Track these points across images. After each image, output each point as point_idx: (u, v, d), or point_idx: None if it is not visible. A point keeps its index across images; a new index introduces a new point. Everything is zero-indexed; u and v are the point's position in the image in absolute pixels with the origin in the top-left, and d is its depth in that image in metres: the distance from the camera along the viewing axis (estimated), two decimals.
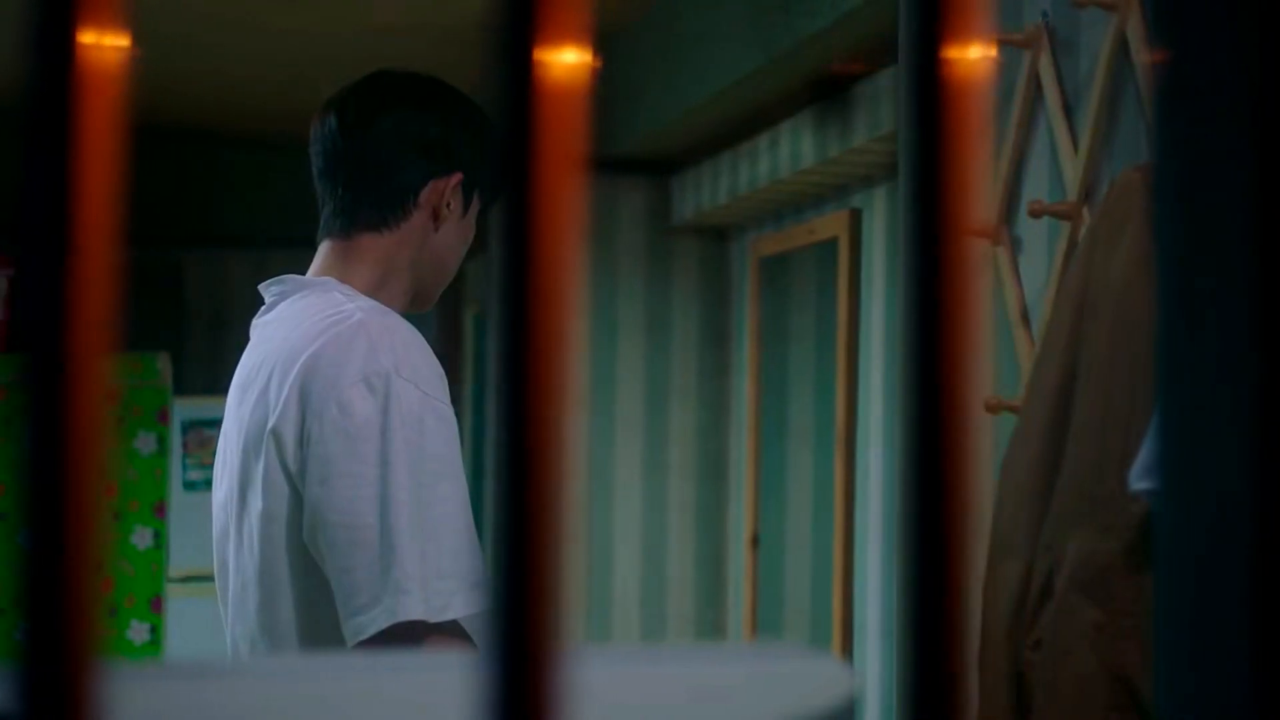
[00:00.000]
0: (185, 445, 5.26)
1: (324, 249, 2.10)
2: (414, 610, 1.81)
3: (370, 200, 2.07)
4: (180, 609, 5.17)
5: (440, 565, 1.83)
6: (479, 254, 5.44)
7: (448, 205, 2.07)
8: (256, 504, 1.92)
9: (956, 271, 0.54)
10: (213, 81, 5.35)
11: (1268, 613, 0.60)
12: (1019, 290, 2.43)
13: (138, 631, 5.16)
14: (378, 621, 1.81)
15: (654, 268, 4.80)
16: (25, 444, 0.49)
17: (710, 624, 4.77)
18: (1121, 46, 2.21)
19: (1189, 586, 0.80)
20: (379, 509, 1.83)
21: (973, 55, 0.54)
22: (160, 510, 5.19)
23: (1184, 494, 0.81)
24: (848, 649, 3.80)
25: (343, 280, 2.04)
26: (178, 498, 5.22)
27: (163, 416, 5.19)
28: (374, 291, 2.04)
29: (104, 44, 0.49)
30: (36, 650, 0.50)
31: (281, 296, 2.06)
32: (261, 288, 2.11)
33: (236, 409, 2.02)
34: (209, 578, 5.33)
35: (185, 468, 5.26)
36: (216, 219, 6.12)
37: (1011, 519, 2.07)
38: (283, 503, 1.89)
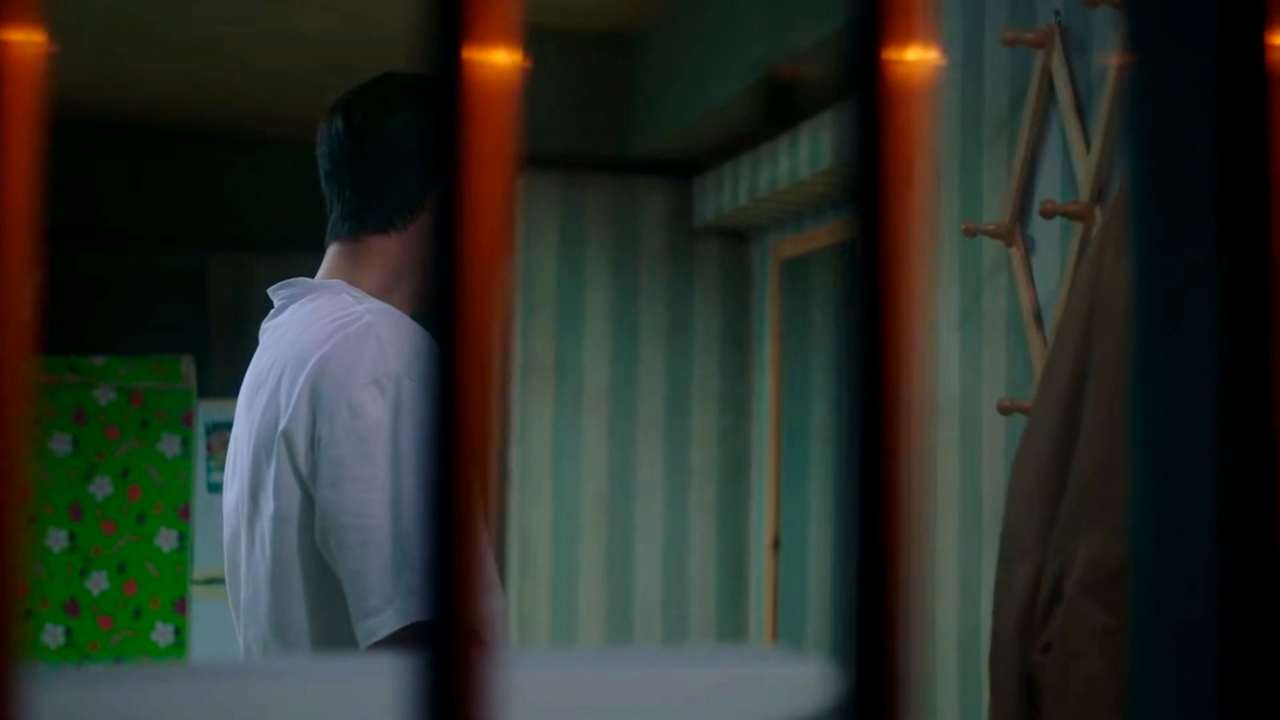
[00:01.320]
0: (209, 447, 5.28)
1: (332, 251, 2.11)
2: (426, 612, 1.80)
3: (378, 202, 2.07)
4: (205, 611, 5.19)
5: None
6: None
7: None
8: (268, 506, 1.92)
9: (898, 277, 0.54)
10: (238, 84, 5.36)
11: (1234, 615, 0.60)
12: (1032, 291, 2.42)
13: (162, 633, 5.18)
14: (390, 623, 1.81)
15: (675, 270, 4.79)
16: None
17: (732, 626, 4.76)
18: None
19: (1159, 589, 0.80)
20: (390, 511, 1.82)
21: (914, 58, 0.54)
22: (185, 513, 5.21)
23: (1155, 493, 0.81)
24: None
25: (351, 283, 2.04)
26: (202, 500, 5.24)
27: (187, 419, 5.21)
28: (383, 294, 2.04)
29: (18, 40, 0.49)
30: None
31: (290, 299, 2.07)
32: (271, 291, 2.11)
33: (247, 412, 2.03)
34: None
35: (210, 470, 5.27)
36: (241, 221, 6.13)
37: (1021, 521, 2.06)
38: (294, 505, 1.89)
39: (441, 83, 0.49)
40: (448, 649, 0.48)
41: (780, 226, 4.59)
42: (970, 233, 2.49)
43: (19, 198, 0.49)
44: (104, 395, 5.17)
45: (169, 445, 5.23)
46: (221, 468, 5.39)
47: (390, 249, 2.06)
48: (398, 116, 2.11)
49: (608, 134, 4.67)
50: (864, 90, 0.54)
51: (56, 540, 5.13)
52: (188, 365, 5.23)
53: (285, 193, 6.13)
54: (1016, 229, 2.45)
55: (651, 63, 4.53)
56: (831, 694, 1.08)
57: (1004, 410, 2.36)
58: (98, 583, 5.16)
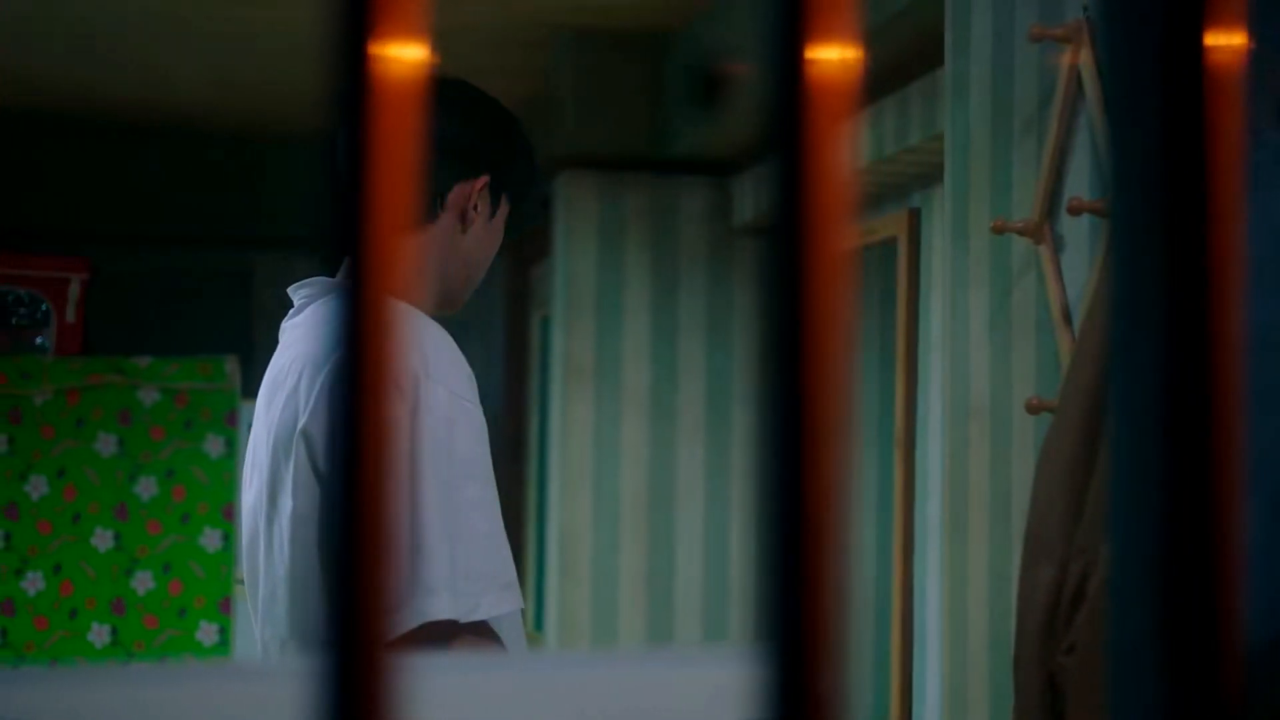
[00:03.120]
0: None
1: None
2: (442, 610, 1.81)
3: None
4: (249, 610, 5.20)
5: (469, 566, 1.83)
6: (542, 258, 5.45)
7: (475, 207, 2.08)
8: (287, 505, 1.92)
9: (819, 274, 0.53)
10: (281, 84, 5.39)
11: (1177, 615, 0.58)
12: (1061, 289, 2.40)
13: (207, 632, 5.21)
14: (406, 622, 1.81)
15: (715, 269, 4.78)
16: None
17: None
18: None
19: (1135, 585, 0.78)
20: (407, 510, 1.83)
21: (838, 55, 0.53)
22: (229, 513, 5.23)
23: (1130, 498, 0.79)
24: (907, 649, 3.77)
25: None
26: None
27: (231, 419, 5.23)
28: (403, 293, 2.04)
29: None
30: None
31: (310, 299, 2.08)
32: (291, 290, 2.12)
33: (266, 411, 2.03)
34: None
35: None
36: (285, 222, 6.16)
37: (1045, 521, 2.04)
38: (313, 504, 1.89)
39: (347, 79, 0.49)
40: (350, 656, 0.48)
41: None
42: (999, 230, 2.47)
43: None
44: (149, 396, 5.20)
45: (213, 445, 5.25)
46: None
47: (410, 248, 2.06)
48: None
49: (646, 134, 4.66)
50: (786, 89, 0.53)
51: (103, 540, 5.16)
52: (232, 366, 5.25)
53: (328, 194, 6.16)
54: (1046, 226, 2.43)
55: (691, 60, 4.52)
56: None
57: (1032, 410, 2.34)
58: (143, 582, 5.19)
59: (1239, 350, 0.55)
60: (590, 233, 4.72)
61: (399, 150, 0.50)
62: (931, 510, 3.73)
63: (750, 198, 4.65)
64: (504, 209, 2.14)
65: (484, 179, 2.09)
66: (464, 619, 1.81)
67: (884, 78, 3.64)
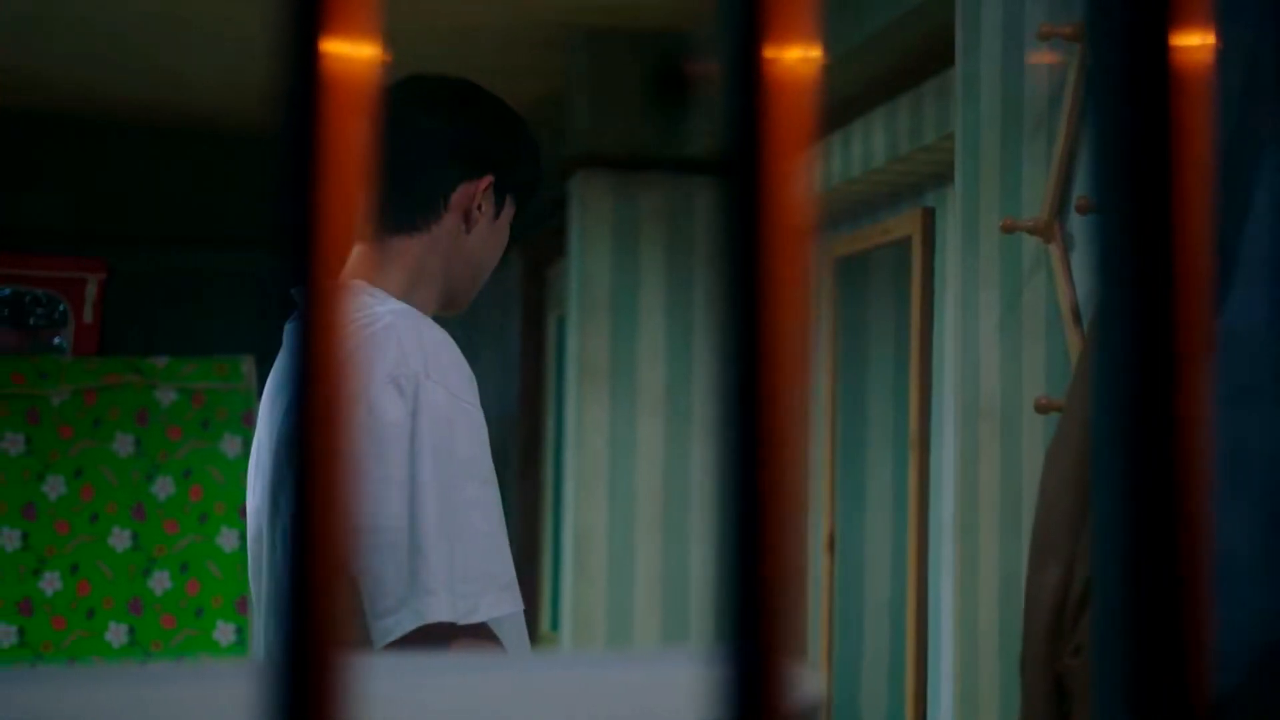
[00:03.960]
0: None
1: (356, 251, 2.11)
2: (441, 612, 1.80)
3: (400, 202, 2.08)
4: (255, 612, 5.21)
5: (467, 567, 1.82)
6: (557, 259, 5.44)
7: (479, 208, 2.08)
8: (288, 506, 1.92)
9: (775, 274, 0.52)
10: None
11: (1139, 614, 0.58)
12: (1071, 288, 2.39)
13: (224, 632, 5.21)
14: (404, 624, 1.81)
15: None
16: None
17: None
18: None
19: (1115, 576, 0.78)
20: (406, 511, 1.82)
21: (798, 55, 0.52)
22: (246, 512, 5.24)
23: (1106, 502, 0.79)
24: (921, 651, 3.76)
25: (374, 283, 2.05)
26: None
27: (248, 419, 5.24)
28: (406, 295, 2.04)
29: None
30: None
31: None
32: (294, 291, 2.11)
33: (269, 414, 2.03)
34: None
35: None
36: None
37: (1052, 521, 2.03)
38: None
39: (298, 76, 0.49)
40: (302, 660, 0.48)
41: (834, 225, 4.57)
42: (1009, 229, 2.47)
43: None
44: (166, 396, 5.21)
45: (230, 445, 5.26)
46: None
47: (413, 250, 2.06)
48: (421, 117, 2.11)
49: (661, 134, 4.66)
50: (743, 88, 0.52)
51: (120, 540, 5.17)
52: (248, 366, 5.26)
53: None
54: (1055, 225, 2.42)
55: (706, 60, 4.51)
56: (810, 697, 1.07)
57: (1041, 409, 2.34)
58: (160, 582, 5.20)
59: (1206, 349, 0.54)
60: (605, 233, 4.72)
61: (350, 149, 0.49)
62: (946, 511, 3.72)
63: None
64: (509, 210, 2.14)
65: (488, 179, 2.09)
66: (462, 620, 1.81)
67: (897, 76, 3.63)
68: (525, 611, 1.95)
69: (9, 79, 5.25)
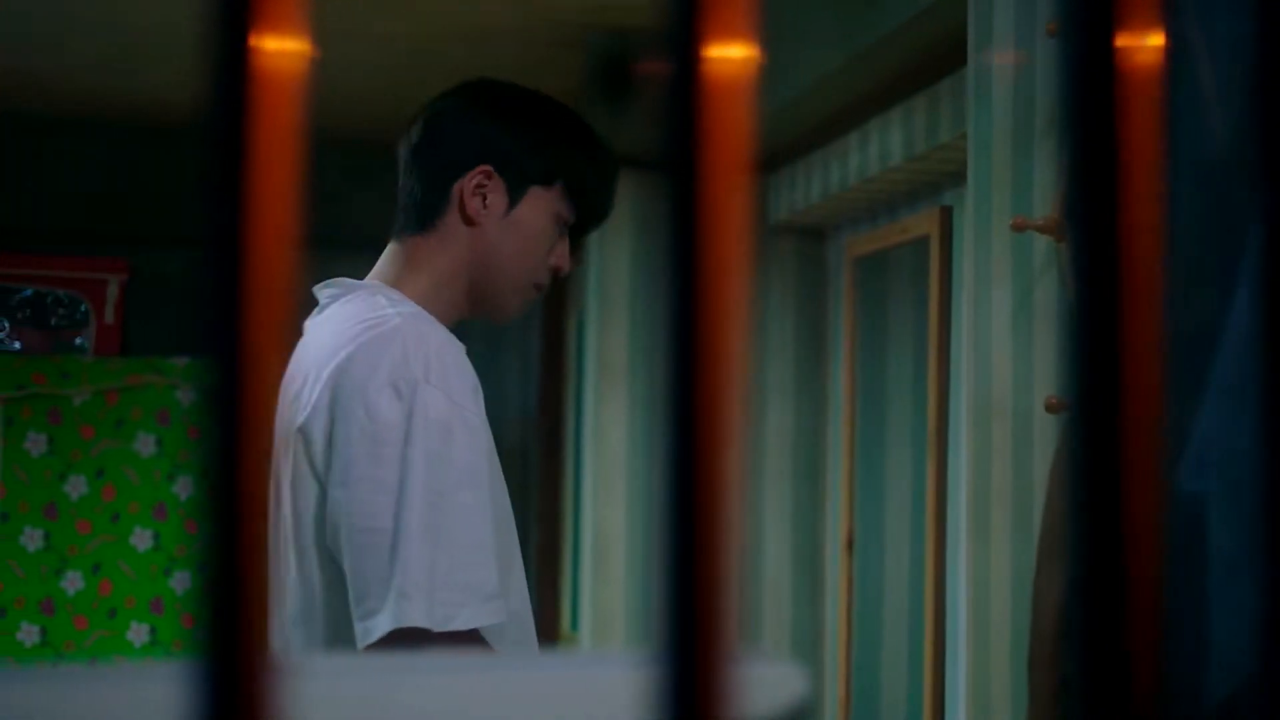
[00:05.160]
0: None
1: (385, 252, 2.12)
2: (416, 618, 1.79)
3: (407, 201, 2.09)
4: None
5: (451, 576, 1.81)
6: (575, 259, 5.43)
7: (482, 202, 2.05)
8: (285, 502, 1.93)
9: (714, 271, 0.52)
10: (319, 85, 5.40)
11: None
12: None
13: None
14: (381, 626, 1.80)
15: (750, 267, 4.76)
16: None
17: (806, 627, 4.73)
18: None
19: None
20: (394, 514, 1.82)
21: (735, 54, 0.52)
22: None
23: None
24: (939, 651, 3.75)
25: (394, 285, 2.04)
26: None
27: None
28: (426, 297, 2.02)
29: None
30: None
31: (333, 299, 2.07)
32: (316, 289, 2.12)
33: (279, 407, 2.04)
34: None
35: None
36: (322, 221, 6.18)
37: (1060, 521, 2.02)
38: (309, 502, 1.90)
39: (226, 71, 0.48)
40: (231, 661, 0.47)
41: (854, 223, 4.56)
42: (1019, 228, 2.45)
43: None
44: (187, 396, 5.22)
45: None
46: None
47: (425, 250, 2.05)
48: (430, 116, 2.11)
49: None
50: (681, 87, 0.52)
51: (141, 540, 5.18)
52: None
53: (365, 194, 6.17)
54: (1065, 224, 2.41)
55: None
56: (798, 696, 1.06)
57: (1051, 409, 2.32)
58: (182, 582, 5.22)
59: (1155, 352, 0.54)
60: (624, 232, 4.72)
61: (278, 145, 0.49)
62: (962, 511, 3.71)
63: (784, 196, 4.63)
64: (540, 205, 2.07)
65: (481, 169, 2.06)
66: (438, 628, 1.80)
67: (914, 75, 3.62)
68: (544, 612, 1.94)
69: (29, 81, 5.27)
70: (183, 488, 5.22)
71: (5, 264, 5.47)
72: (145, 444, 5.18)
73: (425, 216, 2.07)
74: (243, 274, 0.48)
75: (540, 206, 2.07)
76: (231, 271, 0.48)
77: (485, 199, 2.05)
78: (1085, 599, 0.53)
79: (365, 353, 1.88)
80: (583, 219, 2.12)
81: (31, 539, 5.13)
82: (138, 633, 5.18)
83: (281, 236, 0.48)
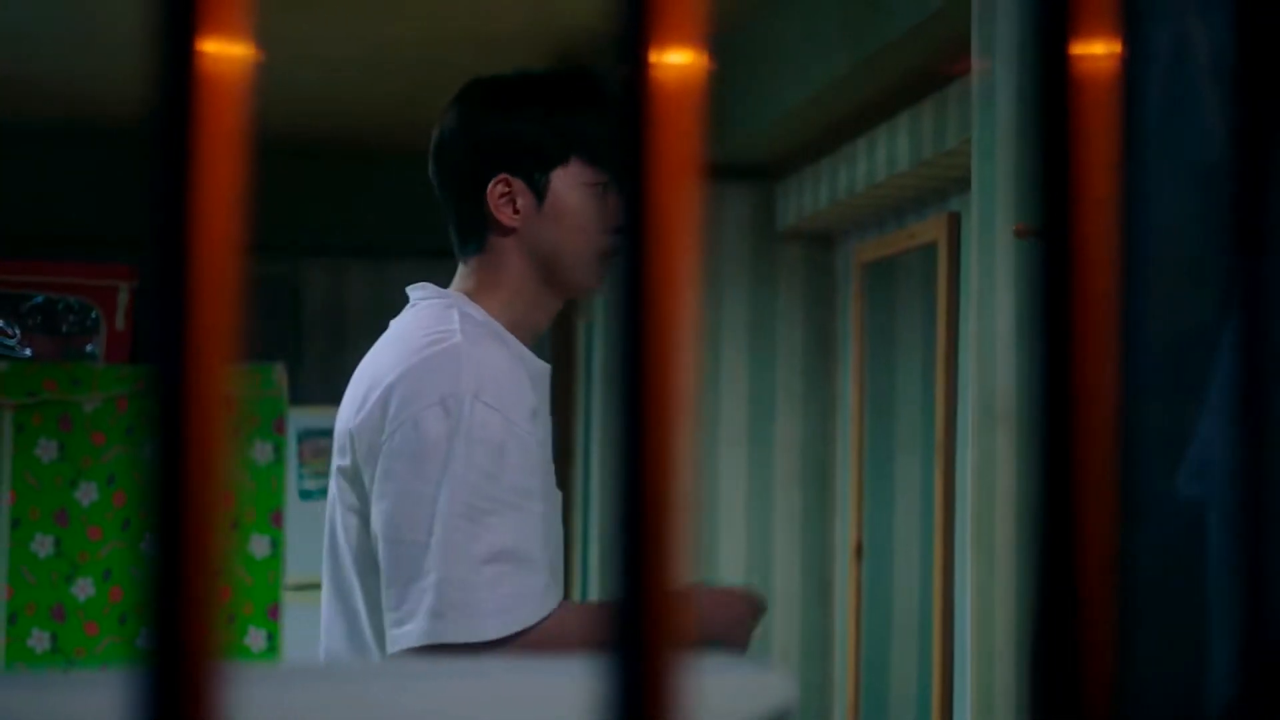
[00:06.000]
0: (301, 454, 5.33)
1: (458, 270, 2.10)
2: (445, 634, 1.80)
3: (451, 229, 2.09)
4: (297, 616, 5.21)
5: (479, 593, 1.81)
6: None
7: (512, 209, 2.01)
8: (338, 510, 1.95)
9: (665, 274, 0.52)
10: (330, 93, 5.41)
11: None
12: None
13: (255, 638, 5.22)
14: (412, 638, 1.82)
15: (758, 274, 4.76)
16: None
17: (816, 634, 4.72)
18: None
19: None
20: (430, 528, 1.83)
21: (681, 61, 0.52)
22: (277, 519, 5.25)
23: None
24: (948, 657, 3.74)
25: (473, 298, 2.01)
26: (294, 506, 5.28)
27: (279, 426, 5.25)
28: (511, 306, 2.00)
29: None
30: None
31: (415, 302, 2.06)
32: (409, 289, 2.09)
33: (342, 406, 2.04)
34: None
35: (301, 477, 5.32)
36: (333, 229, 6.18)
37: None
38: (358, 503, 1.91)
39: (171, 75, 0.48)
40: (173, 669, 0.47)
41: (862, 230, 4.55)
42: (1022, 234, 2.45)
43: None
44: None
45: (261, 452, 5.27)
46: (314, 474, 5.44)
47: (491, 267, 2.03)
48: (459, 145, 2.07)
49: None
50: (632, 91, 0.52)
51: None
52: (279, 373, 5.27)
53: (377, 200, 6.18)
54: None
55: (732, 65, 4.50)
56: (783, 702, 1.06)
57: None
58: None
59: (1109, 355, 0.53)
60: None
61: (223, 149, 0.49)
62: (970, 519, 3.70)
63: (793, 203, 4.63)
64: (565, 180, 2.02)
65: (497, 181, 2.02)
66: (465, 639, 1.81)
67: (921, 81, 3.61)
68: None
69: (39, 88, 5.28)
70: None
71: (15, 271, 5.48)
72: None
73: (473, 241, 2.05)
74: (187, 279, 0.48)
75: (568, 184, 2.02)
76: (176, 276, 0.48)
77: (515, 204, 2.01)
78: (1037, 603, 0.53)
79: (420, 370, 1.89)
80: (616, 169, 2.05)
81: (42, 545, 5.14)
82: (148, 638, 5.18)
83: (226, 241, 0.48)
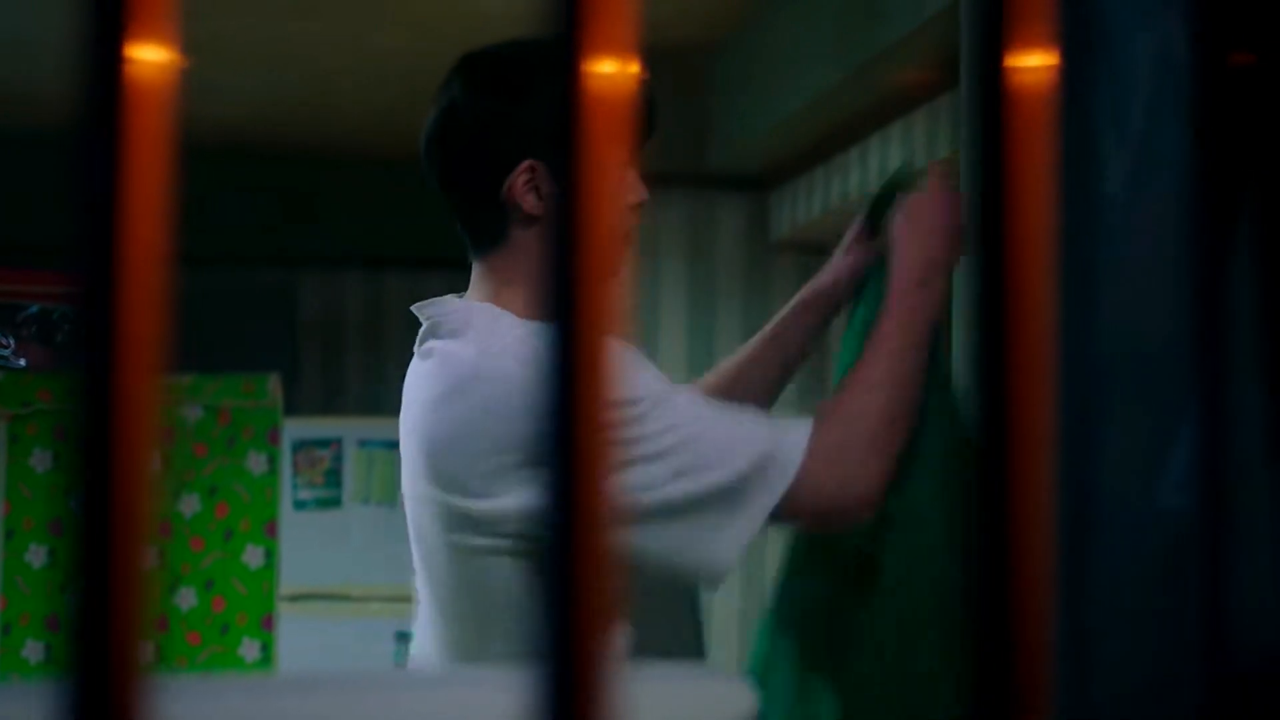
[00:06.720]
0: (295, 465, 5.32)
1: (473, 273, 1.95)
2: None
3: (463, 224, 1.93)
4: (291, 627, 5.22)
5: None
6: None
7: (536, 195, 1.85)
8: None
9: (594, 273, 0.51)
10: (323, 102, 5.41)
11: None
12: None
13: (249, 649, 5.22)
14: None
15: (752, 284, 4.76)
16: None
17: None
18: None
19: None
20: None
21: (612, 69, 0.51)
22: (271, 529, 5.25)
23: None
24: None
25: (496, 302, 1.87)
26: (288, 517, 5.28)
27: (273, 437, 5.25)
28: (531, 307, 1.82)
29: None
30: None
31: (451, 327, 1.90)
32: (423, 308, 1.95)
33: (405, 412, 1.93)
34: (319, 596, 5.32)
35: (295, 487, 5.31)
36: (330, 239, 6.18)
37: None
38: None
39: (99, 81, 0.48)
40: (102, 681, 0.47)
41: None
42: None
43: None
44: (191, 413, 5.23)
45: (255, 462, 5.27)
46: (308, 485, 5.43)
47: (513, 263, 1.89)
48: (472, 130, 1.90)
49: (684, 148, 4.65)
50: (566, 97, 0.51)
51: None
52: (274, 383, 5.27)
53: (374, 210, 6.18)
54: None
55: (726, 76, 4.50)
56: (744, 714, 1.05)
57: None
58: (186, 599, 5.22)
59: (1044, 361, 0.53)
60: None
61: (149, 156, 0.48)
62: None
63: (788, 212, 4.63)
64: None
65: (521, 168, 1.84)
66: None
67: (913, 91, 3.61)
68: None
69: (30, 97, 5.28)
70: (186, 505, 5.23)
71: (9, 280, 5.48)
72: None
73: (491, 236, 1.89)
74: (113, 286, 0.47)
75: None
76: (103, 283, 0.47)
77: (539, 190, 1.85)
78: (973, 597, 0.53)
79: (455, 421, 1.79)
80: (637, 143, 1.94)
81: (37, 556, 5.14)
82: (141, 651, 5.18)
83: (152, 249, 0.47)
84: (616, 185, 0.51)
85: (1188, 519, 1.60)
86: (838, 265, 2.21)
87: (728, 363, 2.33)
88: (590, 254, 0.50)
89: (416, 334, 1.91)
